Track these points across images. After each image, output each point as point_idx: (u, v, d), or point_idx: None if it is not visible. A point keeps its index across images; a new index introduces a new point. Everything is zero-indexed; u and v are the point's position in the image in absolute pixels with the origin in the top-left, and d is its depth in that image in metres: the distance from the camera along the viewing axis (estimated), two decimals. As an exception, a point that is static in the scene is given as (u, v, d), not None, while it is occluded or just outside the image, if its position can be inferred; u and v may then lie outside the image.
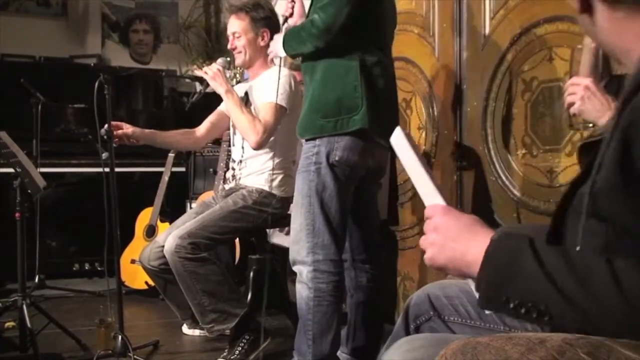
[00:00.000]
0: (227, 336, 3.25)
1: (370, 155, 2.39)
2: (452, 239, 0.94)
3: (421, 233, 3.65)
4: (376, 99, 2.31)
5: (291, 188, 2.71)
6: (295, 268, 2.38)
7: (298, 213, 2.34)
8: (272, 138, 2.99)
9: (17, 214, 2.94)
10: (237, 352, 2.90)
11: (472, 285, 0.93)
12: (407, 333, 1.33)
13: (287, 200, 3.00)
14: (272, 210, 2.95)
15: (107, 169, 2.84)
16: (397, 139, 1.08)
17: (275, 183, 3.07)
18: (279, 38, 2.49)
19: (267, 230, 3.47)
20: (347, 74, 2.27)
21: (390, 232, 3.53)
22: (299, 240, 2.33)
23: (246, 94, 3.18)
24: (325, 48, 2.29)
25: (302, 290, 2.33)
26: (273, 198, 2.98)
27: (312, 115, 2.31)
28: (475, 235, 0.93)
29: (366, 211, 2.63)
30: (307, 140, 2.36)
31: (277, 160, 3.04)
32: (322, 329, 2.31)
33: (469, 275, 0.93)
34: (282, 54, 2.47)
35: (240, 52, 3.17)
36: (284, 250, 3.57)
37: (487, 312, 1.03)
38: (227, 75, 5.09)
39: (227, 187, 3.22)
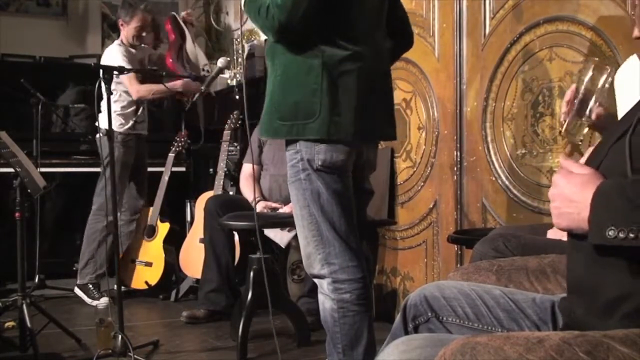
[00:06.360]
0: (227, 337, 3.26)
1: (357, 153, 2.19)
2: (566, 205, 1.11)
3: (420, 233, 3.64)
4: (343, 103, 2.06)
5: None
6: (314, 280, 2.24)
7: (301, 225, 2.17)
8: None
9: (17, 214, 2.94)
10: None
11: None
12: (406, 333, 1.32)
13: None
14: None
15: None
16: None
17: None
18: None
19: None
20: (308, 73, 2.03)
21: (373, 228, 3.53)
22: (309, 254, 2.17)
23: None
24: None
25: (325, 302, 2.17)
26: None
27: (271, 115, 2.12)
28: (586, 194, 1.08)
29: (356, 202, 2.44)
30: (286, 147, 2.16)
31: None
32: (351, 341, 2.16)
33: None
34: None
35: None
36: (284, 250, 3.57)
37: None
38: (227, 75, 5.12)
39: None
